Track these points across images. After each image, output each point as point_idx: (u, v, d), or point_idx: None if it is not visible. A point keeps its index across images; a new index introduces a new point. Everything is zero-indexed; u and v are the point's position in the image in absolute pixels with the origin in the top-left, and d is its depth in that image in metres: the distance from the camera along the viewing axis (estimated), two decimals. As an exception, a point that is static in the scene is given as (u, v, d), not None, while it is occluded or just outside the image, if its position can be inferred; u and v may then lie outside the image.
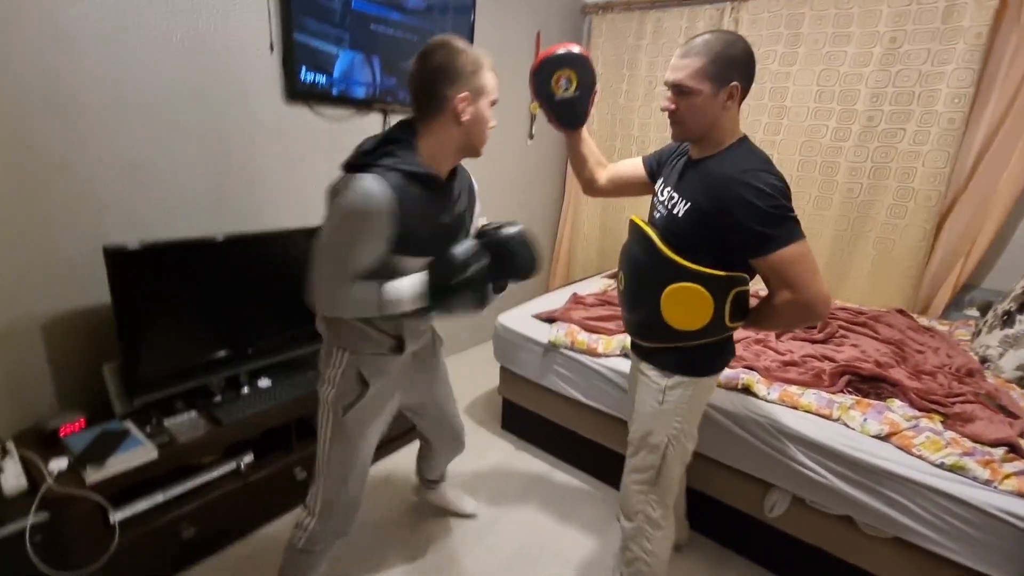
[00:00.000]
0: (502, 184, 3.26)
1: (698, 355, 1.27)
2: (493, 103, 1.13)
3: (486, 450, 2.31)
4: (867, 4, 2.52)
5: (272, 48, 1.90)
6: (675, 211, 1.22)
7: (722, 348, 1.29)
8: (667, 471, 1.34)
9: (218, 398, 1.75)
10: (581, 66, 1.36)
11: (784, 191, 1.08)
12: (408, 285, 1.10)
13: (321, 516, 1.27)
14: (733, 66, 1.11)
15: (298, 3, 1.89)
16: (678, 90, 1.15)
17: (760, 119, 2.91)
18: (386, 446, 2.20)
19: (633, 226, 1.32)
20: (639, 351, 1.40)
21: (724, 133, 1.17)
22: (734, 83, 1.11)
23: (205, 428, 1.60)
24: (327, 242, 1.05)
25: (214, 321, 1.75)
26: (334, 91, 2.11)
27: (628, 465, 1.42)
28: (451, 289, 1.10)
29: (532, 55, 3.21)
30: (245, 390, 1.81)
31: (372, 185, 0.99)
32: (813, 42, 2.69)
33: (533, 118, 3.34)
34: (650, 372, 1.33)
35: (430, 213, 1.11)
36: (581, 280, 3.10)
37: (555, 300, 2.46)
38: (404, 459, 2.20)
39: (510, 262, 1.16)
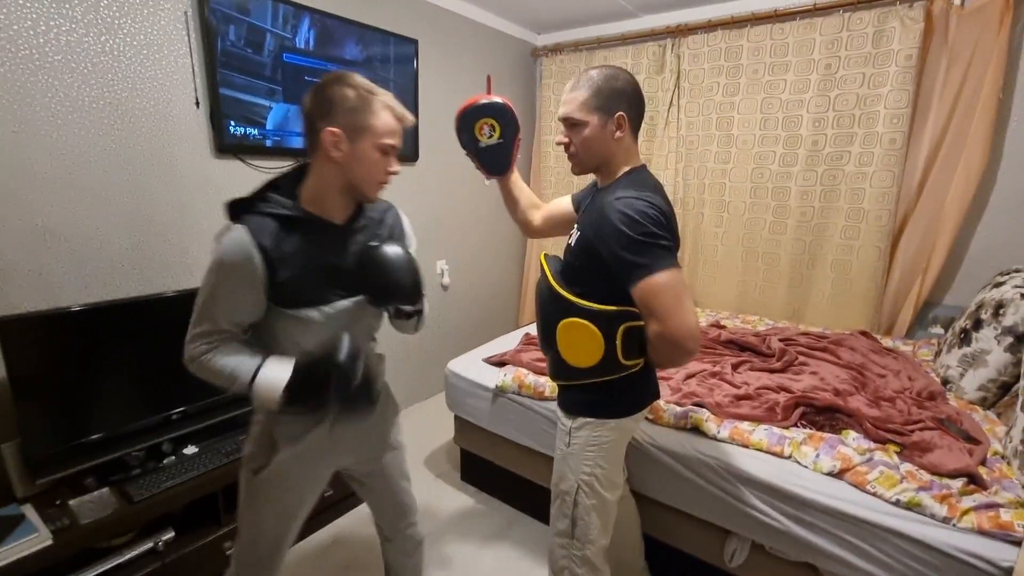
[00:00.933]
0: (463, 225, 3.23)
1: (603, 395, 1.21)
2: (387, 147, 1.02)
3: (445, 503, 2.18)
4: (801, 33, 2.57)
5: (198, 104, 1.88)
6: (571, 242, 1.21)
7: (632, 389, 1.22)
8: (582, 522, 1.25)
9: (136, 471, 1.63)
10: (502, 115, 1.39)
11: (656, 219, 1.05)
12: (278, 367, 1.00)
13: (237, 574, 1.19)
14: (617, 96, 1.13)
15: (224, 60, 1.89)
16: (569, 123, 1.18)
17: (710, 149, 2.93)
18: (331, 508, 2.06)
19: (540, 262, 1.31)
20: (558, 393, 1.35)
21: (618, 163, 1.19)
22: (620, 112, 1.13)
23: (114, 506, 1.48)
24: (199, 298, 1.02)
25: (132, 389, 1.66)
26: (268, 143, 2.08)
27: (551, 518, 1.34)
28: (313, 376, 1.00)
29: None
30: (169, 460, 1.70)
31: (237, 235, 0.96)
32: (753, 72, 2.73)
33: (489, 159, 3.35)
34: (559, 414, 1.29)
35: (314, 257, 1.03)
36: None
37: (508, 342, 2.38)
38: (349, 522, 2.06)
39: (379, 281, 1.06)
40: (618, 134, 1.15)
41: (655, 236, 1.03)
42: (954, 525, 1.21)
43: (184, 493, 1.60)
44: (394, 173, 1.06)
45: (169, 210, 1.86)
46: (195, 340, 1.03)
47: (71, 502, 1.47)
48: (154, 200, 1.82)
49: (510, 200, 1.56)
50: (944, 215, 2.37)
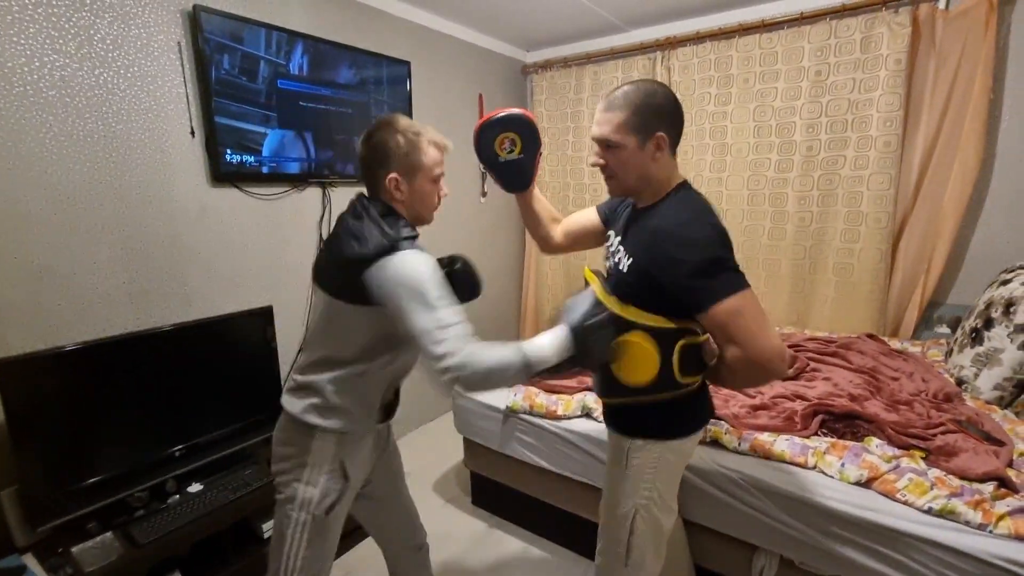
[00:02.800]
0: (459, 244, 3.21)
1: (666, 415, 1.15)
2: (437, 177, 1.15)
3: (457, 530, 2.12)
4: (789, 42, 2.60)
5: (193, 133, 1.86)
6: (621, 266, 1.14)
7: (689, 408, 1.17)
8: (637, 548, 1.20)
9: (140, 512, 1.57)
10: (524, 128, 1.33)
11: (718, 241, 1.01)
12: (547, 339, 1.03)
13: None
14: (656, 115, 1.06)
15: (218, 88, 1.87)
16: (605, 144, 1.10)
17: (705, 158, 2.94)
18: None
19: (585, 278, 1.24)
20: (606, 412, 1.30)
21: (660, 183, 1.11)
22: (660, 133, 1.06)
23: (118, 551, 1.42)
24: (425, 317, 0.98)
25: (132, 427, 1.61)
26: (264, 169, 2.06)
27: (598, 543, 1.29)
28: (589, 334, 1.04)
29: (476, 117, 3.25)
30: (173, 499, 1.64)
31: (416, 251, 1.05)
32: (744, 81, 2.75)
33: (484, 176, 3.35)
34: (613, 435, 1.23)
35: None
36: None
37: (516, 360, 2.34)
38: (366, 551, 2.00)
39: (459, 291, 1.14)
40: (657, 155, 1.08)
41: (718, 260, 0.99)
42: (990, 532, 1.18)
43: (191, 533, 1.55)
44: (445, 195, 1.20)
45: (166, 241, 1.83)
46: (457, 342, 0.98)
47: (73, 549, 1.41)
48: (150, 232, 1.79)
49: (530, 216, 1.47)
50: (943, 215, 2.39)
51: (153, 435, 1.65)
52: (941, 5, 2.31)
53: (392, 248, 1.03)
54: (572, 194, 3.45)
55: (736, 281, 0.98)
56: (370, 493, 1.33)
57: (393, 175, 1.10)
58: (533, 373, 1.02)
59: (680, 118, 1.11)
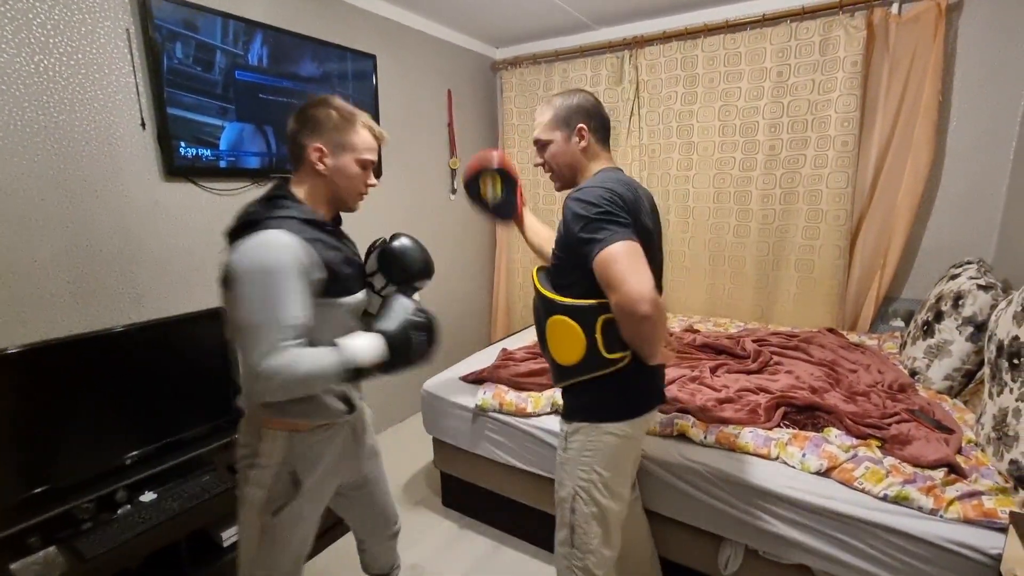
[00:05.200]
0: (428, 240, 3.14)
1: (597, 398, 1.20)
2: (366, 162, 1.14)
3: (427, 531, 2.09)
4: (752, 43, 2.66)
5: (144, 125, 1.77)
6: (555, 244, 1.23)
7: (622, 392, 1.19)
8: (581, 530, 1.23)
9: (87, 524, 1.49)
10: (500, 172, 1.54)
11: (611, 199, 1.09)
12: (364, 339, 1.03)
13: None
14: (574, 112, 1.24)
15: (171, 78, 1.79)
16: (539, 145, 1.30)
17: (672, 156, 2.98)
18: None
19: (532, 275, 1.33)
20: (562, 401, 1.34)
21: (587, 169, 1.26)
22: (580, 125, 1.24)
23: (62, 567, 1.34)
24: (252, 312, 0.93)
25: (80, 434, 1.52)
26: (222, 164, 1.98)
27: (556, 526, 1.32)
28: (406, 335, 1.07)
29: (445, 113, 3.22)
30: (124, 509, 1.56)
31: (277, 236, 0.97)
32: (709, 80, 2.80)
33: (454, 173, 3.31)
34: (559, 420, 1.31)
35: (338, 252, 1.10)
36: (522, 331, 2.99)
37: (485, 358, 2.33)
38: (345, 546, 1.95)
39: (400, 266, 1.22)
40: (581, 144, 1.24)
41: (608, 214, 1.07)
42: (941, 516, 1.22)
43: (142, 545, 1.47)
44: (372, 185, 1.19)
45: (115, 238, 1.74)
46: (277, 347, 0.93)
47: (13, 566, 1.33)
48: (98, 228, 1.69)
49: (527, 236, 1.61)
50: (897, 213, 2.48)
51: (102, 443, 1.57)
52: (894, 10, 2.40)
53: (253, 224, 1.00)
54: (543, 191, 3.45)
55: (619, 232, 1.06)
56: (349, 493, 1.34)
57: (318, 145, 1.07)
58: (353, 376, 1.01)
59: (599, 113, 1.27)
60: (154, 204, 1.83)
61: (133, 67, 1.73)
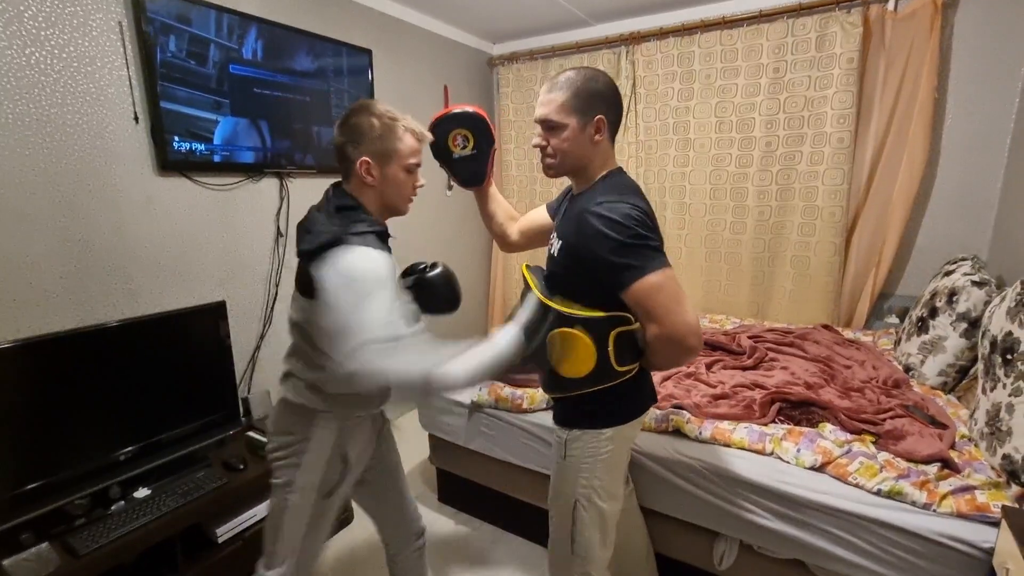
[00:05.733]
0: (425, 236, 3.16)
1: (598, 404, 1.16)
2: (411, 166, 1.15)
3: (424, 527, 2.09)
4: (749, 39, 2.65)
5: (137, 119, 1.75)
6: (553, 250, 1.18)
7: (623, 397, 1.18)
8: (582, 537, 1.21)
9: (81, 520, 1.48)
10: (476, 125, 1.37)
11: (642, 220, 1.03)
12: (473, 360, 0.98)
13: None
14: (596, 99, 1.10)
15: (164, 72, 1.77)
16: (547, 125, 1.13)
17: (668, 152, 2.97)
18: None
19: (523, 274, 1.25)
20: (552, 405, 1.31)
21: (595, 167, 1.16)
22: (599, 116, 1.10)
23: (56, 563, 1.33)
24: (379, 317, 0.95)
25: (73, 430, 1.51)
26: (216, 158, 1.97)
27: (550, 534, 1.30)
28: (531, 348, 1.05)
29: (442, 109, 3.19)
30: (118, 505, 1.55)
31: (370, 252, 1.01)
32: (705, 77, 2.80)
33: (450, 169, 3.30)
34: (555, 427, 1.25)
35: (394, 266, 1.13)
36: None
37: (481, 354, 2.32)
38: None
39: (432, 298, 1.27)
40: (597, 137, 1.11)
41: (642, 238, 1.01)
42: (934, 511, 1.23)
43: (136, 541, 1.46)
44: (420, 186, 1.20)
45: (108, 233, 1.73)
46: (407, 352, 0.95)
47: (6, 562, 1.31)
48: (91, 223, 1.68)
49: (486, 213, 1.52)
50: (892, 209, 2.48)
51: (96, 439, 1.56)
52: (890, 6, 2.40)
53: (337, 241, 1.02)
54: (539, 187, 3.44)
55: (656, 259, 1.02)
56: (370, 479, 1.37)
57: (365, 159, 1.09)
58: (436, 394, 1.02)
59: (619, 105, 1.16)
60: (147, 199, 1.82)
61: (126, 60, 1.72)
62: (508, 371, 1.03)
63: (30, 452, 1.43)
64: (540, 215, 1.46)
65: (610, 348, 1.08)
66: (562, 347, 1.11)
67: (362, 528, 2.04)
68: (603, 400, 1.15)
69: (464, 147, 1.37)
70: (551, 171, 1.18)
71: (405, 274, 1.31)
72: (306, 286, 1.06)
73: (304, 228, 1.10)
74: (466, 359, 0.97)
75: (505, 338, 1.01)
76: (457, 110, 1.36)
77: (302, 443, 1.15)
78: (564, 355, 1.11)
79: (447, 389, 0.97)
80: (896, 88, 2.40)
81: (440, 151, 1.39)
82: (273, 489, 1.18)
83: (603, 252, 1.02)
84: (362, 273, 0.98)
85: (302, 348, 1.14)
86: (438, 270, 1.28)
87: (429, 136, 1.18)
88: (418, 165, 1.17)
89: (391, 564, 1.50)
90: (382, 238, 1.12)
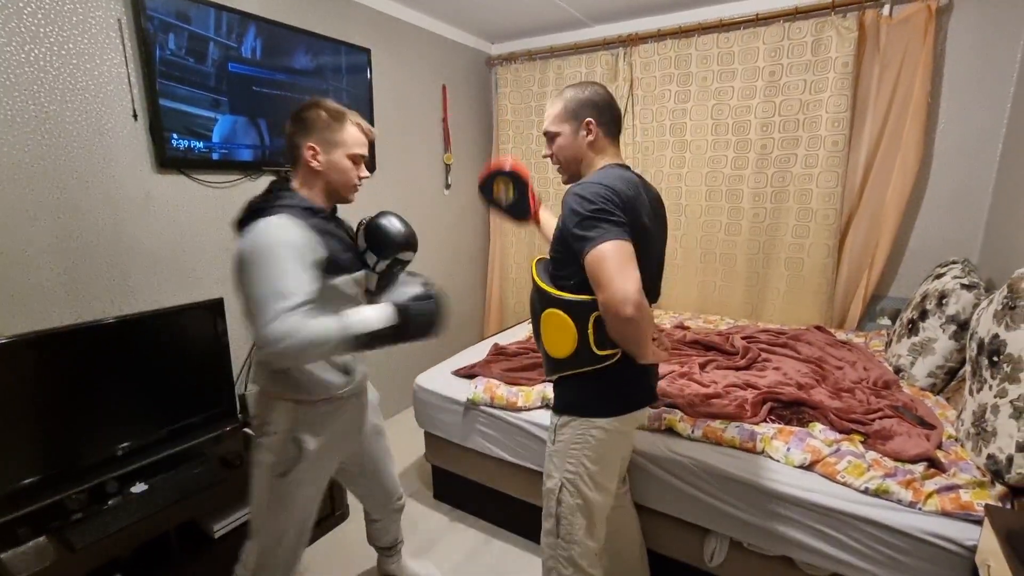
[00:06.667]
0: (423, 235, 3.15)
1: (588, 393, 1.22)
2: (356, 156, 1.23)
3: (418, 523, 2.11)
4: (745, 42, 2.67)
5: (136, 116, 1.76)
6: (551, 238, 1.25)
7: (613, 388, 1.21)
8: (566, 521, 1.26)
9: (78, 515, 1.49)
10: (512, 175, 1.56)
11: (608, 198, 1.09)
12: (369, 309, 1.11)
13: (256, 573, 1.29)
14: (583, 105, 1.23)
15: (164, 70, 1.78)
16: (548, 137, 1.29)
17: (665, 154, 2.99)
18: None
19: (531, 265, 1.35)
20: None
21: (593, 163, 1.26)
22: (587, 119, 1.22)
23: (52, 557, 1.34)
24: (258, 285, 1.03)
25: (71, 425, 1.52)
26: (214, 156, 1.98)
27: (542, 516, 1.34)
28: (414, 308, 1.14)
29: (440, 108, 3.21)
30: (114, 500, 1.56)
31: (281, 220, 1.09)
32: (702, 79, 2.82)
33: (448, 168, 3.32)
34: (549, 413, 1.33)
35: (335, 235, 1.22)
36: (514, 326, 3.00)
37: (477, 353, 2.34)
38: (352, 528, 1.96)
39: (382, 238, 1.30)
40: (589, 138, 1.22)
41: (603, 211, 1.07)
42: (920, 509, 1.25)
43: (133, 536, 1.48)
44: (365, 177, 1.27)
45: (106, 230, 1.73)
46: (280, 315, 0.99)
47: (3, 556, 1.33)
48: (89, 219, 1.69)
49: (545, 235, 1.61)
50: (885, 212, 2.51)
51: (94, 434, 1.57)
52: (885, 11, 2.42)
53: (257, 213, 1.12)
54: (538, 187, 3.44)
55: (612, 232, 1.06)
56: (353, 469, 1.50)
57: (311, 143, 1.18)
58: (359, 342, 1.06)
59: (610, 107, 1.26)
60: (146, 196, 1.83)
61: (125, 58, 1.72)
62: (386, 338, 1.10)
63: (28, 447, 1.44)
64: None
65: (589, 331, 1.14)
66: (548, 327, 1.21)
67: (355, 528, 2.06)
68: (594, 389, 1.21)
69: (507, 194, 1.58)
70: (563, 176, 1.32)
71: (357, 230, 1.35)
72: (235, 261, 1.11)
73: (246, 205, 1.19)
74: (365, 311, 1.09)
75: (386, 308, 1.12)
76: (493, 170, 1.57)
77: (264, 425, 1.24)
78: (549, 335, 1.21)
79: (364, 331, 1.05)
80: (890, 92, 2.43)
81: (491, 202, 1.62)
82: (251, 468, 1.28)
83: (570, 226, 1.10)
84: (273, 241, 1.05)
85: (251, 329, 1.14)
86: (384, 215, 1.32)
87: (374, 132, 1.29)
88: (363, 157, 1.24)
89: (369, 525, 1.66)
90: (309, 213, 1.16)
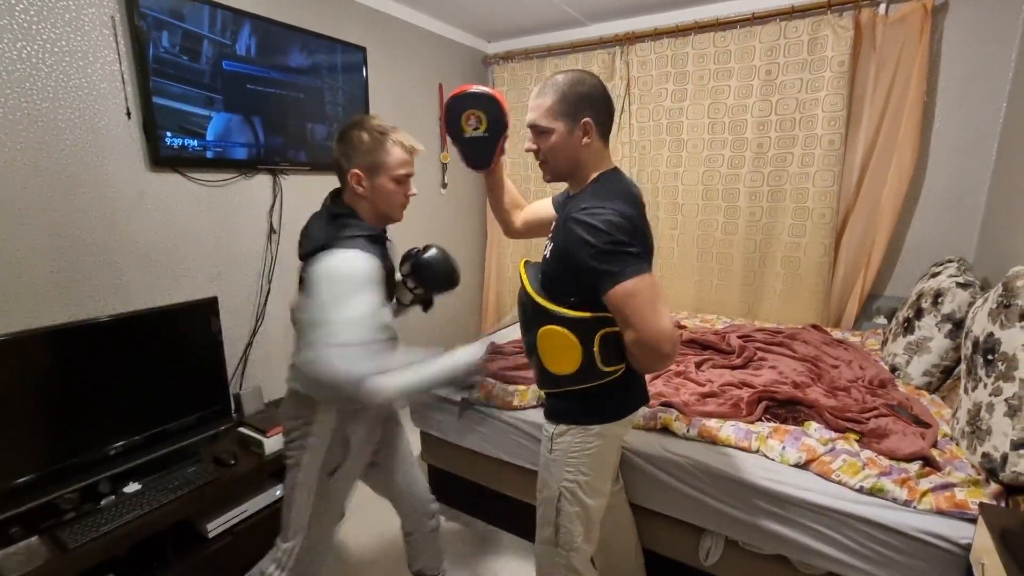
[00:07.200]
0: (419, 234, 3.15)
1: (585, 401, 1.19)
2: (401, 177, 1.23)
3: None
4: (742, 41, 2.67)
5: (129, 114, 1.75)
6: (546, 253, 1.19)
7: (614, 394, 1.19)
8: (565, 529, 1.24)
9: (70, 515, 1.48)
10: (490, 107, 1.35)
11: (622, 226, 1.03)
12: (428, 374, 1.14)
13: (295, 571, 1.30)
14: (582, 102, 1.11)
15: (157, 67, 1.77)
16: (536, 131, 1.16)
17: (661, 153, 2.99)
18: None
19: (519, 271, 1.29)
20: (543, 401, 1.34)
21: (588, 169, 1.17)
22: (586, 119, 1.11)
23: (44, 557, 1.34)
24: (340, 311, 1.05)
25: (63, 424, 1.51)
26: (209, 154, 1.97)
27: (536, 525, 1.32)
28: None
29: (436, 107, 3.21)
30: (107, 500, 1.55)
31: (360, 255, 1.12)
32: (699, 78, 2.81)
33: (444, 167, 3.31)
34: (544, 421, 1.28)
35: (391, 264, 1.28)
36: (511, 325, 3.00)
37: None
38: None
39: (431, 278, 1.41)
40: (585, 140, 1.12)
41: (621, 244, 1.02)
42: (914, 507, 1.25)
43: (126, 536, 1.46)
44: (412, 195, 1.28)
45: (99, 228, 1.72)
46: (363, 358, 1.04)
47: (-7, 556, 1.32)
48: (82, 218, 1.68)
49: (493, 197, 1.54)
50: (881, 211, 2.51)
51: (87, 433, 1.56)
52: (881, 10, 2.42)
53: (326, 245, 1.13)
54: (533, 187, 3.45)
55: (633, 265, 1.02)
56: (380, 462, 1.48)
57: (355, 171, 1.19)
58: (364, 400, 1.06)
59: (607, 106, 1.16)
60: (140, 194, 1.82)
61: (118, 55, 1.71)
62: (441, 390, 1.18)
63: (20, 446, 1.43)
64: (544, 207, 1.47)
65: (595, 348, 1.10)
66: (549, 345, 1.14)
67: (365, 526, 2.06)
68: (592, 397, 1.17)
69: (476, 128, 1.36)
70: (547, 175, 1.21)
71: (404, 260, 1.42)
72: (302, 284, 1.19)
73: (304, 234, 1.23)
74: (400, 376, 1.10)
75: (447, 363, 1.17)
76: (474, 89, 1.35)
77: (306, 427, 1.25)
78: (550, 352, 1.15)
79: (373, 399, 1.06)
80: (886, 91, 2.43)
81: (452, 128, 1.40)
82: (287, 469, 1.30)
83: (584, 258, 1.03)
84: (341, 274, 1.08)
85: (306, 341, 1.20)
86: (432, 251, 1.40)
87: (420, 148, 1.24)
88: (408, 175, 1.24)
89: (407, 541, 1.61)
90: (374, 241, 1.20)
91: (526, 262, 1.29)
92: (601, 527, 1.33)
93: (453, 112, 1.37)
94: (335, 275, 1.08)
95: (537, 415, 1.77)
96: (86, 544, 1.39)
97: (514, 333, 2.66)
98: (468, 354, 1.20)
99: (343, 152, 1.20)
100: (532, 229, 1.52)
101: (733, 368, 2.04)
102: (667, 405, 1.70)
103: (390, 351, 1.16)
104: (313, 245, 1.15)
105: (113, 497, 1.57)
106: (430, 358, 1.16)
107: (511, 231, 1.57)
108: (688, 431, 1.59)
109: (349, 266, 1.09)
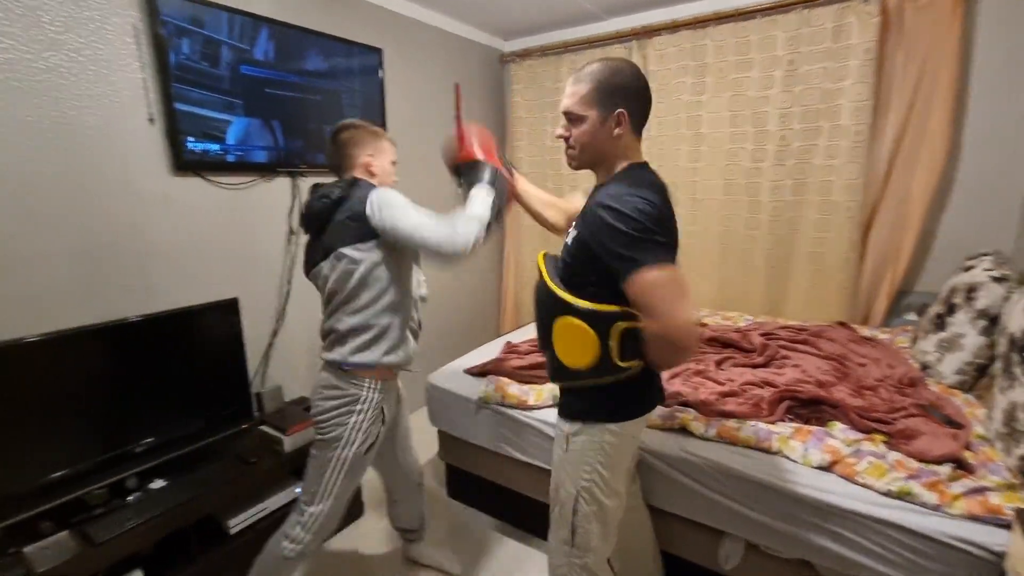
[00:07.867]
0: (435, 235, 3.17)
1: (602, 399, 1.17)
2: (394, 162, 1.55)
3: (433, 522, 2.09)
4: (762, 30, 2.60)
5: (152, 120, 1.80)
6: (568, 241, 1.17)
7: (628, 394, 1.17)
8: (582, 529, 1.22)
9: (99, 510, 1.53)
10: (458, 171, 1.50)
11: (651, 214, 1.01)
12: (479, 203, 1.38)
13: (317, 533, 1.45)
14: (617, 92, 1.09)
15: (178, 74, 1.81)
16: (569, 117, 1.15)
17: (680, 148, 2.94)
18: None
19: (538, 263, 1.27)
20: (558, 397, 1.31)
21: (616, 161, 1.15)
22: (620, 110, 1.09)
23: (74, 550, 1.38)
24: (412, 218, 1.33)
25: (93, 422, 1.56)
26: (229, 158, 2.01)
27: (550, 525, 1.31)
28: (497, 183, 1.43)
29: (452, 107, 3.20)
30: (134, 496, 1.60)
31: (388, 189, 1.40)
32: (719, 70, 2.75)
33: (461, 167, 3.31)
34: (559, 419, 1.26)
35: None
36: (529, 324, 2.99)
37: (490, 351, 2.34)
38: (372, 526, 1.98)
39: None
40: (617, 131, 1.10)
41: (648, 231, 1.00)
42: (945, 512, 1.20)
43: (152, 531, 1.51)
44: (396, 181, 1.55)
45: (126, 231, 1.77)
46: (455, 227, 1.31)
47: (26, 549, 1.37)
48: (108, 223, 1.73)
49: (529, 211, 1.59)
50: (910, 204, 2.42)
51: (114, 431, 1.61)
52: (910, -6, 2.33)
53: (371, 187, 1.39)
54: (551, 184, 3.43)
55: (659, 254, 1.00)
56: (389, 435, 1.62)
57: (369, 154, 1.47)
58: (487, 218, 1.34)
59: (644, 98, 1.14)
60: (164, 198, 1.86)
61: (141, 63, 1.76)
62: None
63: (51, 444, 1.48)
64: (580, 202, 1.44)
65: (612, 342, 1.09)
66: (564, 336, 1.13)
67: (371, 525, 2.08)
68: (608, 395, 1.16)
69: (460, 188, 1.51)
70: (573, 162, 1.19)
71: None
72: (367, 231, 1.34)
73: (321, 194, 1.39)
74: (472, 223, 1.34)
75: (480, 192, 1.40)
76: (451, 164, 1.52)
77: (351, 403, 1.39)
78: (566, 344, 1.13)
79: (478, 245, 1.33)
80: (915, 79, 2.33)
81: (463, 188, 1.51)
82: (318, 444, 1.43)
83: (609, 243, 1.02)
84: (397, 198, 1.35)
85: (351, 302, 1.37)
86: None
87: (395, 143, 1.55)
88: (395, 163, 1.55)
89: (392, 501, 1.78)
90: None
91: (545, 254, 1.28)
92: (618, 529, 1.31)
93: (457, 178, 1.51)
94: (394, 200, 1.33)
95: (553, 414, 1.76)
96: (113, 539, 1.43)
97: (530, 332, 2.65)
98: (487, 174, 1.42)
99: (353, 141, 1.46)
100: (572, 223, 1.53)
101: (755, 367, 1.99)
102: (685, 405, 1.67)
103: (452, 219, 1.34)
104: (365, 191, 1.35)
105: (140, 493, 1.62)
106: (470, 202, 1.38)
107: (556, 231, 1.56)
108: (707, 431, 1.56)
109: (394, 193, 1.35)
